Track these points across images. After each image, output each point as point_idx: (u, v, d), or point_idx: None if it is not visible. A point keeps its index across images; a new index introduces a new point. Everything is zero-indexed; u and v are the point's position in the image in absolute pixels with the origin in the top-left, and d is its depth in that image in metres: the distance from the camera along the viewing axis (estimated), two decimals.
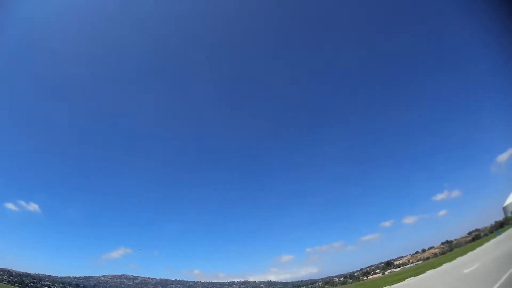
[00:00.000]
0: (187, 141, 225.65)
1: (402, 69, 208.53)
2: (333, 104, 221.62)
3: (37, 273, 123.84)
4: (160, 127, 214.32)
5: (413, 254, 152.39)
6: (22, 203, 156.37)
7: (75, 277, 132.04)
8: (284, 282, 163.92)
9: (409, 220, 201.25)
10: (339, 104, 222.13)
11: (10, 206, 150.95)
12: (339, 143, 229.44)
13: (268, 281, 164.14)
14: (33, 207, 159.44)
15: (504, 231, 66.28)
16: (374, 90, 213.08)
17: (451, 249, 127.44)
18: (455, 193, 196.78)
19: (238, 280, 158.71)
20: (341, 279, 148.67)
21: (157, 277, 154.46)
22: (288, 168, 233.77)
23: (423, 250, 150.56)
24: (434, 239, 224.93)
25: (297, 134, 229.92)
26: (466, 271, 21.14)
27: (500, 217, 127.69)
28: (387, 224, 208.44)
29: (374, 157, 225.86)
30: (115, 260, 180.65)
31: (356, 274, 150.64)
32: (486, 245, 47.28)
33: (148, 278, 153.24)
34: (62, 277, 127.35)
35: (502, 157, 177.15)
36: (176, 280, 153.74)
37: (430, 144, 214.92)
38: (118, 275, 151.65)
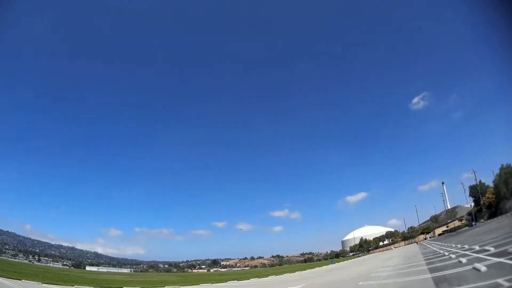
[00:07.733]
0: None
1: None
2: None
3: None
4: None
5: (241, 259, 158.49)
6: None
7: None
8: (110, 257, 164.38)
9: (243, 226, 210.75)
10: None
11: None
12: (194, 131, 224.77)
13: (94, 252, 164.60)
14: None
15: (338, 261, 68.78)
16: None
17: (280, 264, 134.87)
18: (295, 215, 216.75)
19: (66, 245, 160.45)
20: (166, 266, 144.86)
21: None
22: (132, 141, 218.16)
23: (252, 258, 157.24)
24: (265, 250, 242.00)
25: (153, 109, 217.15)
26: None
27: (337, 248, 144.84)
28: (220, 224, 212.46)
29: (220, 155, 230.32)
30: None
31: (181, 265, 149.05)
32: (317, 269, 44.76)
33: None
34: None
35: (352, 198, 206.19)
36: (8, 231, 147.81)
37: (280, 160, 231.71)
38: None
